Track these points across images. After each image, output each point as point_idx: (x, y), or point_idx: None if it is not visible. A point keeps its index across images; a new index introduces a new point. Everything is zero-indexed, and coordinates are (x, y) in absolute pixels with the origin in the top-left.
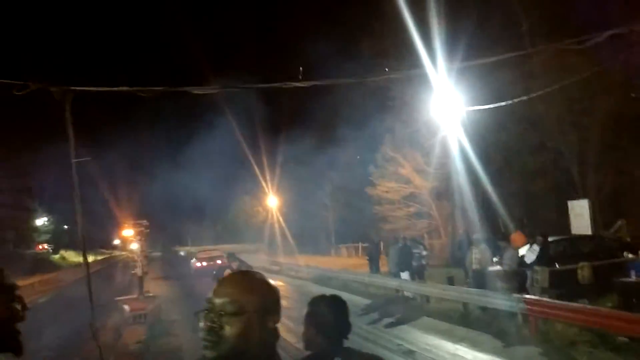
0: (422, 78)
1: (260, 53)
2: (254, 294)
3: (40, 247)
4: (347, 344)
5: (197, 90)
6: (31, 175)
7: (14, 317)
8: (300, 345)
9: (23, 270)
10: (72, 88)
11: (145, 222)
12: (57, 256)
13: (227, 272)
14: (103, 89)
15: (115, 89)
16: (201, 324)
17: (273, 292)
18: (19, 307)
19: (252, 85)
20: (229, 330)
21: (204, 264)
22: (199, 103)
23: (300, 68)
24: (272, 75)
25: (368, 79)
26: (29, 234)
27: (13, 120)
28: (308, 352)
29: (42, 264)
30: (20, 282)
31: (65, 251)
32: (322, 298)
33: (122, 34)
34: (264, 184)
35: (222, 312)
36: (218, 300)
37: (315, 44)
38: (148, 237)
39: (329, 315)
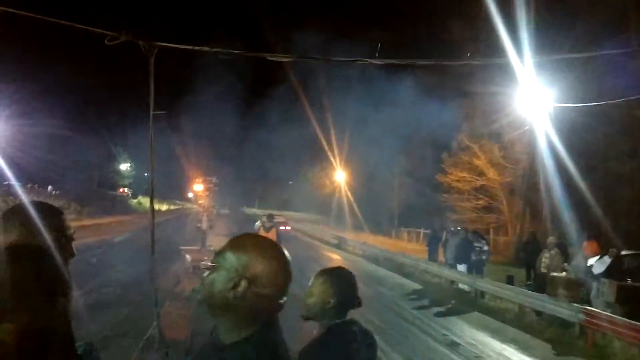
0: (509, 68)
1: (344, 27)
2: (233, 254)
3: (121, 190)
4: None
5: (272, 57)
6: (118, 122)
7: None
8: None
9: (103, 209)
10: (158, 43)
11: (214, 179)
12: (135, 200)
13: (258, 225)
14: (186, 46)
15: (197, 47)
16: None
17: (259, 263)
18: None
19: (325, 57)
20: (206, 279)
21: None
22: (280, 71)
23: (379, 44)
24: (353, 51)
25: (445, 61)
26: (112, 177)
27: (107, 71)
28: (317, 322)
29: (121, 206)
30: (99, 221)
31: (143, 197)
32: (338, 269)
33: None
34: (332, 158)
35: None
36: (234, 257)
37: (403, 24)
38: (216, 194)
39: (348, 287)
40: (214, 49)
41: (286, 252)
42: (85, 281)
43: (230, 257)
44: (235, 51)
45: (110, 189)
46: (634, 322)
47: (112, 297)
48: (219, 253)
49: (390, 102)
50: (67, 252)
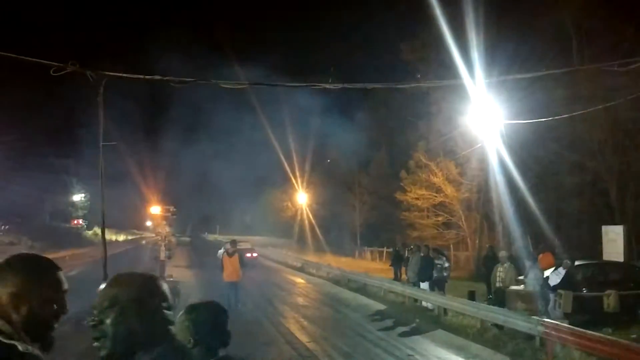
0: (462, 88)
1: (293, 48)
2: (126, 286)
3: (76, 222)
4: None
5: (224, 84)
6: (70, 153)
7: (55, 314)
8: (312, 344)
9: (56, 243)
10: (107, 73)
11: (171, 207)
12: (90, 232)
13: (221, 252)
14: (136, 76)
15: (148, 77)
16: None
17: (150, 283)
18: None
19: (280, 83)
20: (107, 322)
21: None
22: (234, 96)
23: (332, 68)
24: (307, 71)
25: (400, 84)
26: (65, 208)
27: (55, 101)
28: None
29: (75, 239)
30: (52, 255)
31: (99, 228)
32: (203, 305)
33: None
34: (293, 180)
35: (101, 309)
36: (97, 302)
37: (353, 45)
38: (175, 222)
39: (210, 324)
40: (165, 78)
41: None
42: None
43: (119, 292)
44: (187, 79)
45: (64, 222)
46: (589, 332)
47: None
48: (98, 308)
49: (349, 122)
50: (61, 308)
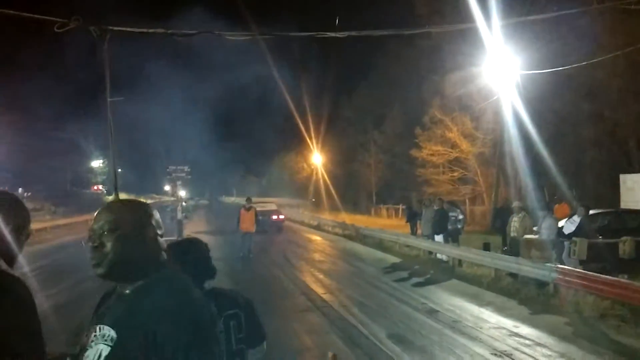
0: (478, 40)
1: (301, 4)
2: (126, 213)
3: (96, 187)
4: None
5: (230, 36)
6: (89, 119)
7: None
8: (327, 295)
9: (79, 208)
10: (110, 27)
11: (186, 167)
12: (110, 197)
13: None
14: (140, 29)
15: (152, 30)
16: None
17: (148, 210)
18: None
19: (285, 33)
20: (108, 245)
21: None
22: (248, 52)
23: (337, 18)
24: (318, 25)
25: (409, 30)
26: (85, 175)
27: (76, 66)
28: None
29: (96, 204)
30: (74, 219)
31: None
32: (185, 240)
33: None
34: (309, 141)
35: (101, 232)
36: (96, 225)
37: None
38: (191, 184)
39: (193, 256)
40: (169, 31)
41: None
42: (64, 278)
43: (120, 217)
44: (191, 32)
45: (85, 188)
46: (602, 275)
47: (92, 291)
48: (98, 231)
49: (363, 79)
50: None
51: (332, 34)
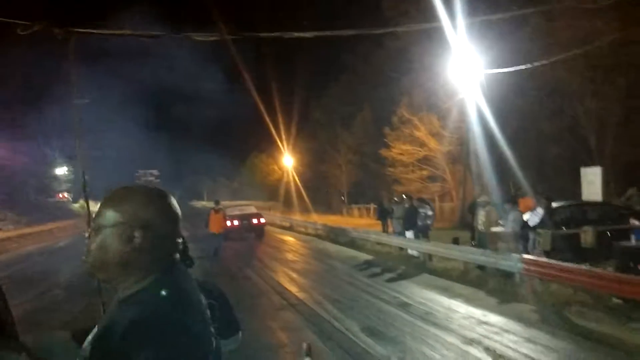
0: (444, 40)
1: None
2: (114, 210)
3: (61, 195)
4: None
5: (198, 37)
6: (52, 125)
7: None
8: (301, 294)
9: (43, 216)
10: (75, 30)
11: (155, 171)
12: (77, 205)
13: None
14: (106, 31)
15: (118, 32)
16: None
17: (146, 208)
18: None
19: (253, 33)
20: (92, 244)
21: (235, 222)
22: (218, 55)
23: (304, 21)
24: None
25: (375, 30)
26: (49, 183)
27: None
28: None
29: (62, 212)
30: (40, 229)
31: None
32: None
33: None
34: (279, 143)
35: (94, 223)
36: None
37: (334, 5)
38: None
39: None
40: (136, 33)
41: (169, 195)
42: (32, 287)
43: (112, 214)
44: (158, 33)
45: (49, 196)
46: (565, 264)
47: (61, 299)
48: (97, 216)
49: (333, 81)
50: None
51: (298, 34)
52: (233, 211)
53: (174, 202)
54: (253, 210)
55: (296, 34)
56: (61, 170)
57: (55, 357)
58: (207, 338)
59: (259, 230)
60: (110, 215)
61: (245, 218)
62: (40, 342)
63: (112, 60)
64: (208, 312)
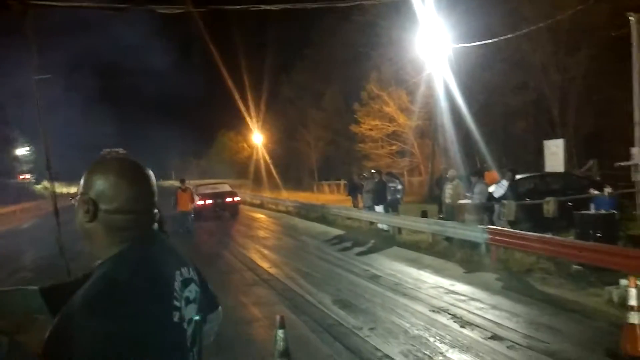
0: (412, 14)
1: None
2: (82, 179)
3: (22, 177)
4: None
5: (162, 9)
6: (10, 103)
7: None
8: (273, 269)
9: (4, 199)
10: (31, 2)
11: (120, 150)
12: (39, 186)
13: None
14: (63, 4)
15: (77, 5)
16: None
17: (106, 180)
18: None
19: (219, 6)
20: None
21: (209, 201)
22: (184, 28)
23: None
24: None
25: (343, 4)
26: (9, 164)
27: None
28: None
29: (24, 194)
30: (2, 211)
31: (48, 182)
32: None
33: None
34: (248, 120)
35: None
36: None
37: None
38: None
39: None
40: (97, 5)
41: (142, 167)
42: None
43: (80, 183)
44: (120, 6)
45: (10, 178)
46: (527, 233)
47: (29, 280)
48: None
49: (299, 58)
50: None
51: (265, 7)
52: (206, 189)
53: (146, 175)
54: (227, 188)
55: (261, 7)
56: (22, 151)
57: (22, 311)
58: (162, 313)
59: (233, 208)
60: (79, 185)
61: (218, 196)
62: (6, 298)
63: (75, 33)
64: (180, 287)
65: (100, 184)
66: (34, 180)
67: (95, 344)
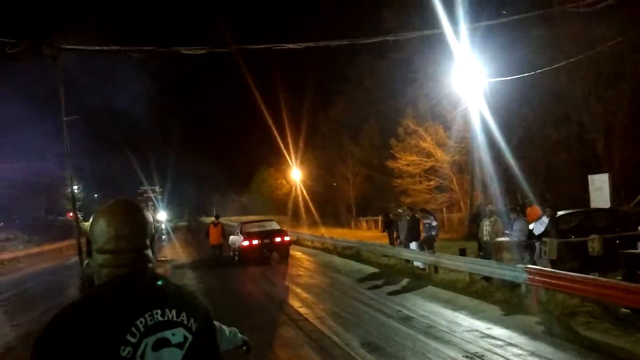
0: (447, 50)
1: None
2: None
3: (71, 214)
4: None
5: (185, 51)
6: (61, 144)
7: None
8: (303, 309)
9: (53, 235)
10: (63, 46)
11: (157, 187)
12: (86, 223)
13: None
14: (93, 47)
15: (106, 48)
16: None
17: (95, 221)
18: None
19: (241, 45)
20: None
21: (255, 242)
22: (222, 69)
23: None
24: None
25: (374, 39)
26: (60, 202)
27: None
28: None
29: (70, 231)
30: (48, 247)
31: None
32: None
33: None
34: (287, 156)
35: None
36: None
37: (335, 17)
38: (166, 204)
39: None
40: (123, 48)
41: (128, 209)
42: (36, 306)
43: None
44: (145, 48)
45: (60, 215)
46: (569, 273)
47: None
48: None
49: (339, 94)
50: None
51: (290, 46)
52: (252, 227)
53: (129, 218)
54: (275, 226)
55: (285, 46)
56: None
57: None
58: (103, 347)
59: (284, 249)
60: None
61: (266, 236)
62: None
63: (113, 75)
64: (146, 325)
65: (92, 224)
66: (81, 217)
67: None
